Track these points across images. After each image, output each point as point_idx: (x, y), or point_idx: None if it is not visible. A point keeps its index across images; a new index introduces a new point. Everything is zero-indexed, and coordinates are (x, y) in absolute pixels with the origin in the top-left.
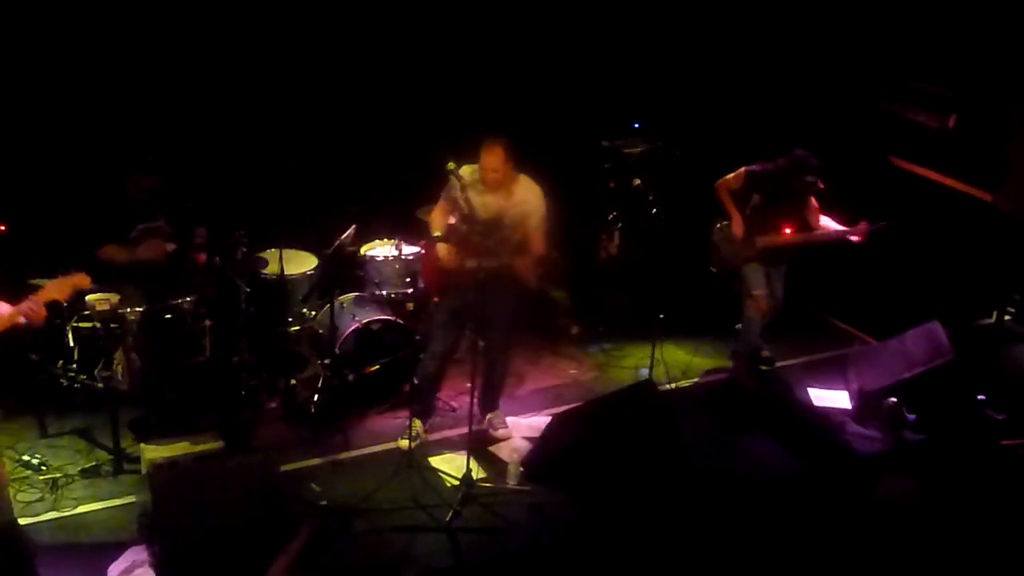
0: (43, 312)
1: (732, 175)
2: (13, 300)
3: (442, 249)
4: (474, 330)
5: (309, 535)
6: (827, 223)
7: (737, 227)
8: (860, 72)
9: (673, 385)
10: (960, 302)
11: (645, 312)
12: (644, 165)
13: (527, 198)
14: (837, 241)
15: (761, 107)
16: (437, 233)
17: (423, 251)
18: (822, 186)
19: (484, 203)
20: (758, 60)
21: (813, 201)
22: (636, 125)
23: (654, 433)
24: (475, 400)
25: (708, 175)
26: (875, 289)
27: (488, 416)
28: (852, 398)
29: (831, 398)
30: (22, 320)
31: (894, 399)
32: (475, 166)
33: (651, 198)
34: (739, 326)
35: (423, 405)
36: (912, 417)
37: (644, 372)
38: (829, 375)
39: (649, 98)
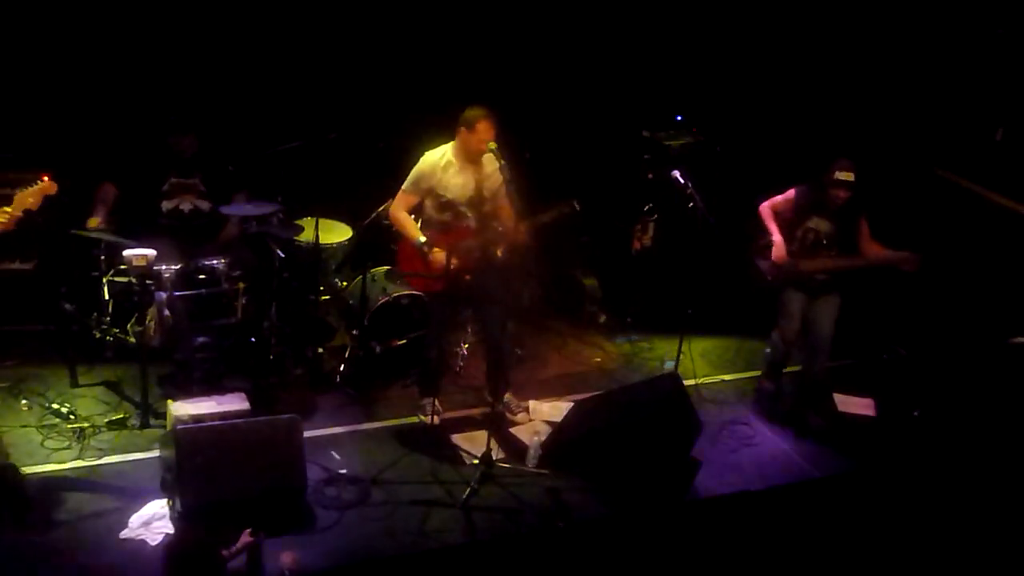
0: (15, 219)
1: (781, 197)
2: None
3: (438, 255)
4: (471, 310)
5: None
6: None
7: (778, 251)
8: (904, 78)
9: (697, 380)
10: (998, 318)
11: (675, 306)
12: (684, 158)
13: (493, 163)
14: (884, 263)
15: (805, 109)
16: (422, 239)
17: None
18: (849, 191)
19: (463, 183)
20: (805, 62)
21: (865, 227)
22: (679, 118)
23: (674, 427)
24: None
25: (748, 173)
26: (914, 303)
27: (505, 399)
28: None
29: (855, 404)
30: None
31: None
32: (447, 146)
33: (689, 192)
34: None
35: (433, 384)
36: None
37: (670, 365)
38: (855, 382)
39: (694, 92)
